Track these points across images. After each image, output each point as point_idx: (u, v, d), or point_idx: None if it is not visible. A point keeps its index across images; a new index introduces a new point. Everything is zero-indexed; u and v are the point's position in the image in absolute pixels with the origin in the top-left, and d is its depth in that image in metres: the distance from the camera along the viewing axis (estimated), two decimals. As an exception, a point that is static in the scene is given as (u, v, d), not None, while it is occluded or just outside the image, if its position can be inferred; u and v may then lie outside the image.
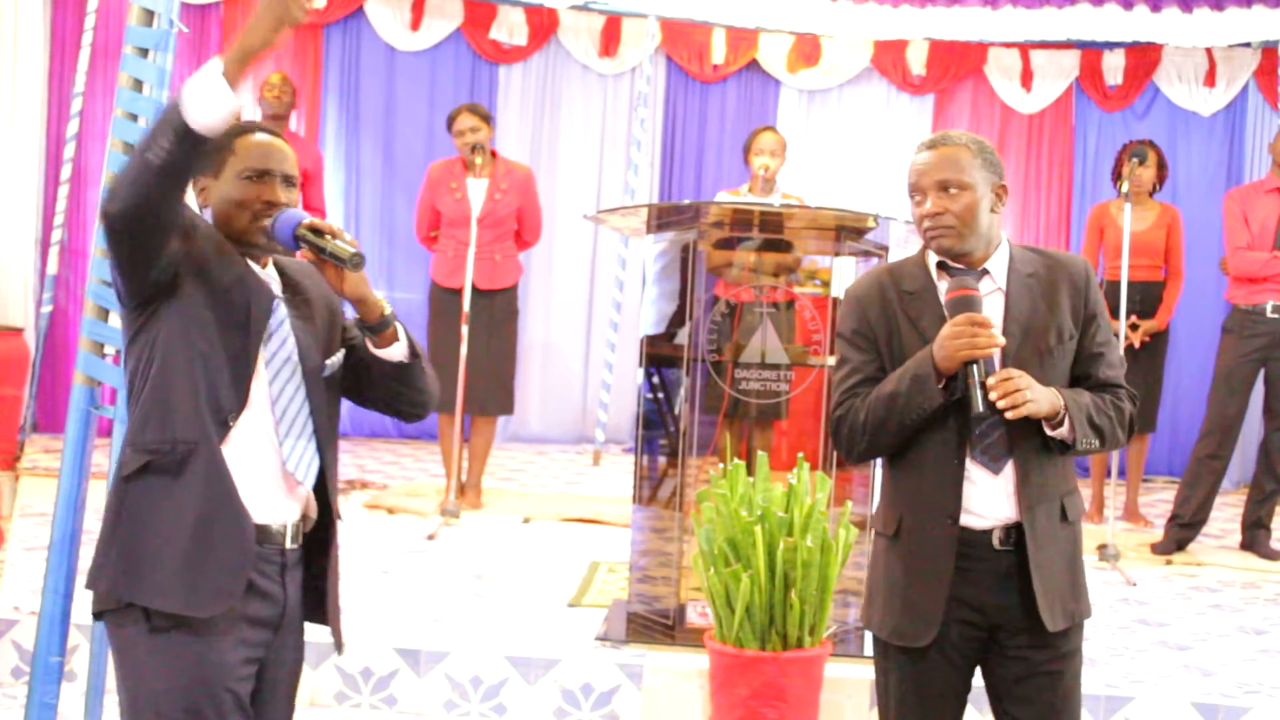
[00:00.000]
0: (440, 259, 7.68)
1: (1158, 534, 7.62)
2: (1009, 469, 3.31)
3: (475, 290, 7.38)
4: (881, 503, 3.50)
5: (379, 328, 3.06)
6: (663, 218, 5.65)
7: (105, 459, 4.32)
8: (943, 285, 3.37)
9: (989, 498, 3.31)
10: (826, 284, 5.48)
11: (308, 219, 2.95)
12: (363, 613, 5.47)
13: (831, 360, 5.33)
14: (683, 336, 5.40)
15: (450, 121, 7.70)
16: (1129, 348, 7.58)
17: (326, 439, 3.07)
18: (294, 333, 3.03)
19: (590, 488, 8.66)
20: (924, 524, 3.34)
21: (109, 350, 4.23)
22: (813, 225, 5.50)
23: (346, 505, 7.59)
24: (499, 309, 7.64)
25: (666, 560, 5.49)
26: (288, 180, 3.03)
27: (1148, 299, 8.00)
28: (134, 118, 4.19)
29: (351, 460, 9.07)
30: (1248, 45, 9.70)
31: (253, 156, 3.00)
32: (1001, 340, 3.24)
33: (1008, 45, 10.08)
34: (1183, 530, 7.42)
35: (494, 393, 7.67)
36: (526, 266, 9.23)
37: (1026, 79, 10.26)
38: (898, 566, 3.39)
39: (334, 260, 2.93)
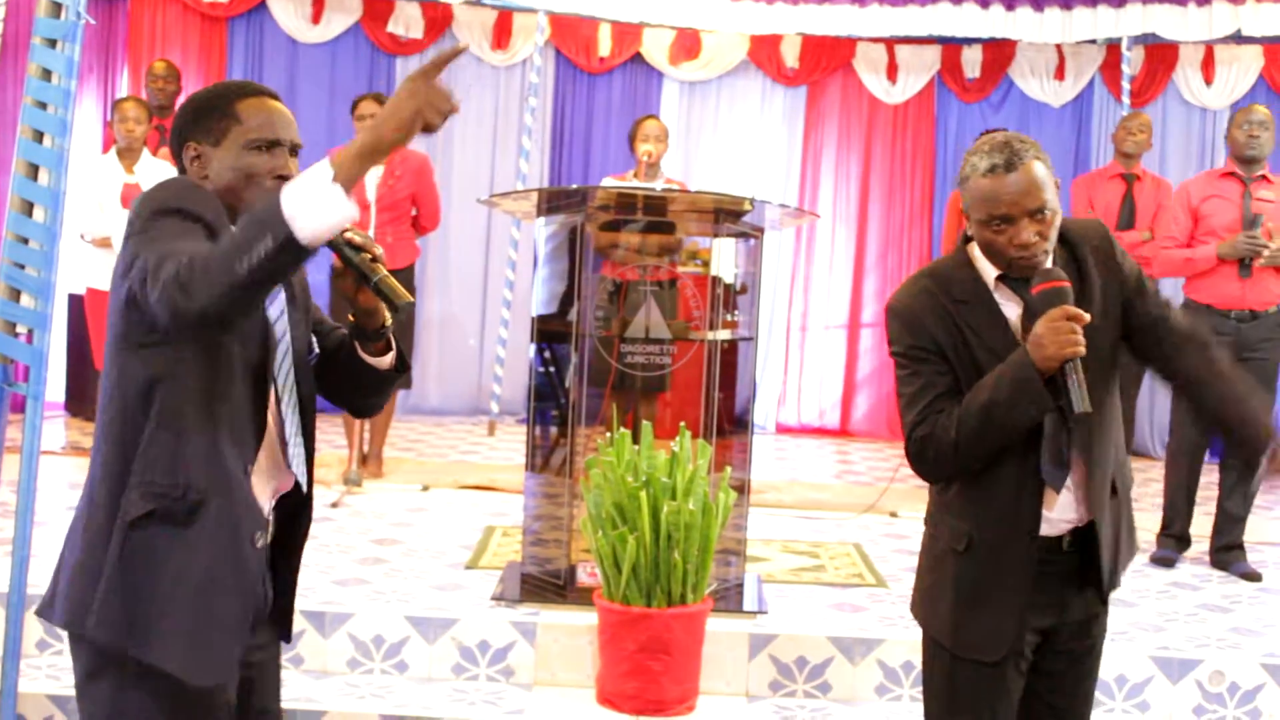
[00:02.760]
0: (339, 241, 7.59)
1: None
2: (1075, 471, 3.03)
3: (374, 271, 7.31)
4: (941, 512, 3.15)
5: (376, 337, 2.78)
6: (552, 201, 5.64)
7: (19, 434, 4.27)
8: (999, 295, 3.02)
9: (1061, 504, 3.03)
10: (706, 263, 5.50)
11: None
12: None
13: (713, 335, 5.38)
14: (572, 314, 5.40)
15: (354, 107, 7.64)
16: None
17: (311, 426, 2.78)
18: (289, 322, 2.70)
19: (486, 457, 8.63)
20: (1000, 540, 3.03)
21: (21, 330, 4.16)
22: (693, 208, 5.52)
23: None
24: (397, 289, 7.55)
25: (558, 524, 5.49)
26: (295, 150, 2.63)
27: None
28: (43, 105, 4.16)
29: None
30: (1093, 42, 9.85)
31: (261, 124, 2.58)
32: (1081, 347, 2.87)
33: (874, 40, 10.15)
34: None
35: (393, 368, 7.60)
36: (426, 247, 9.20)
37: (892, 72, 10.34)
38: (967, 581, 3.07)
39: (377, 293, 2.60)
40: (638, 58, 10.36)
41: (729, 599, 5.35)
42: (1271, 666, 5.06)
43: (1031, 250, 2.92)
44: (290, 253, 2.24)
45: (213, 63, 9.97)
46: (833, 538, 6.73)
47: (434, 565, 5.82)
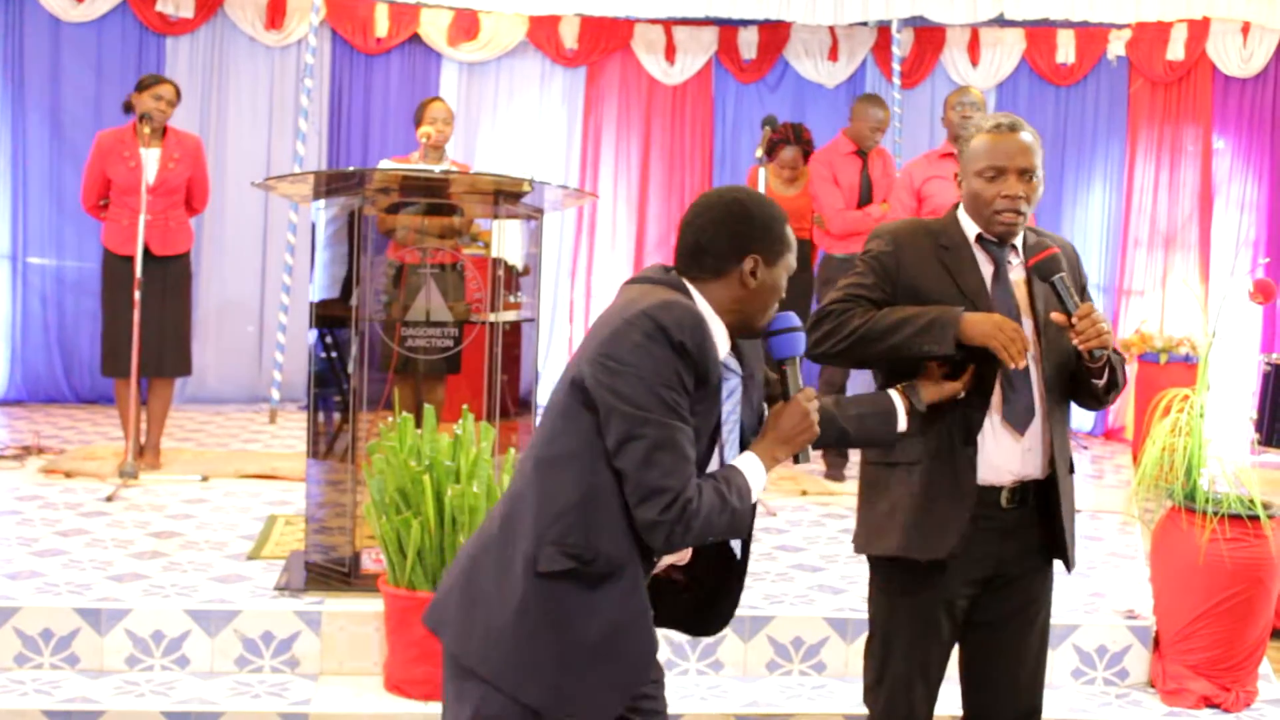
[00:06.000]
0: (113, 227, 7.39)
1: (795, 470, 7.89)
2: (1034, 429, 3.35)
3: (149, 256, 7.16)
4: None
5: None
6: (330, 184, 5.56)
7: None
8: (976, 251, 3.40)
9: (1006, 457, 3.34)
10: (487, 245, 5.50)
11: (803, 352, 2.94)
12: (43, 576, 5.26)
13: (494, 317, 5.38)
14: (354, 298, 5.33)
15: (141, 88, 7.35)
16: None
17: None
18: (741, 418, 2.93)
19: (268, 445, 8.46)
20: (947, 449, 3.33)
21: None
22: (473, 190, 5.51)
23: (22, 472, 7.26)
24: (173, 274, 7.40)
25: (341, 511, 5.43)
26: None
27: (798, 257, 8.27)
28: None
29: (27, 426, 8.67)
30: (865, 24, 10.07)
31: (795, 256, 2.91)
32: (1024, 363, 3.26)
33: (652, 21, 10.22)
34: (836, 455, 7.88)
35: (170, 355, 7.44)
36: (201, 232, 9.00)
37: (670, 53, 10.42)
38: (919, 489, 3.36)
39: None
40: (416, 38, 10.25)
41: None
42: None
43: (1012, 205, 3.32)
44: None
45: (-31, 43, 9.58)
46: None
47: (214, 557, 5.70)
